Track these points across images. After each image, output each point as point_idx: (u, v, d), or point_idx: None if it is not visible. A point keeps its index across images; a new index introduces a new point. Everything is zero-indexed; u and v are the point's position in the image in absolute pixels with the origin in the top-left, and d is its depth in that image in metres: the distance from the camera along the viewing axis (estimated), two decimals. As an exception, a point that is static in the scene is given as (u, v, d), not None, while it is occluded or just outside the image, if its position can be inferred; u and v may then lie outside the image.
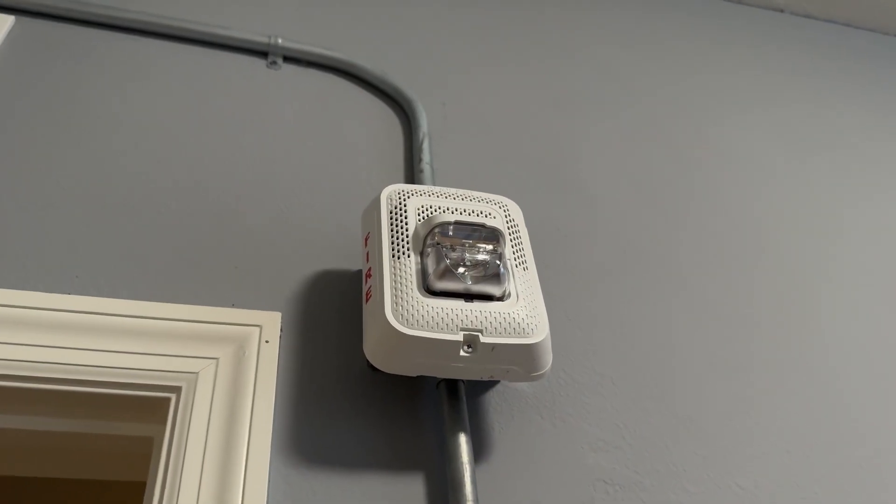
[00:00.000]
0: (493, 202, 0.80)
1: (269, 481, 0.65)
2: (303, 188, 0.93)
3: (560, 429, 0.78)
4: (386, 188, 0.79)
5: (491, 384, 0.79)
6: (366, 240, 0.78)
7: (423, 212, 0.76)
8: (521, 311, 0.70)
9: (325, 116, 1.05)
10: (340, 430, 0.71)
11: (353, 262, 0.86)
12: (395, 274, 0.70)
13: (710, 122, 1.28)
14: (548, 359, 0.71)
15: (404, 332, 0.66)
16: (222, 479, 0.63)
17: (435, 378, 0.76)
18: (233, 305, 0.78)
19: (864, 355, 0.97)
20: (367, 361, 0.77)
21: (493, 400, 0.78)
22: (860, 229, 1.17)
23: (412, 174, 1.00)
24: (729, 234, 1.08)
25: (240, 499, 0.62)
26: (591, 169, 1.11)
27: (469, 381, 0.77)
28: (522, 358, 0.69)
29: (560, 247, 0.97)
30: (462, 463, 0.68)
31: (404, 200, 0.77)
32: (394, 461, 0.70)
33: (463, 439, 0.70)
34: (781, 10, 1.74)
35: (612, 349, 0.87)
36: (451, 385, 0.74)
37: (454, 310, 0.68)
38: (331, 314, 0.81)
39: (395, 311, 0.67)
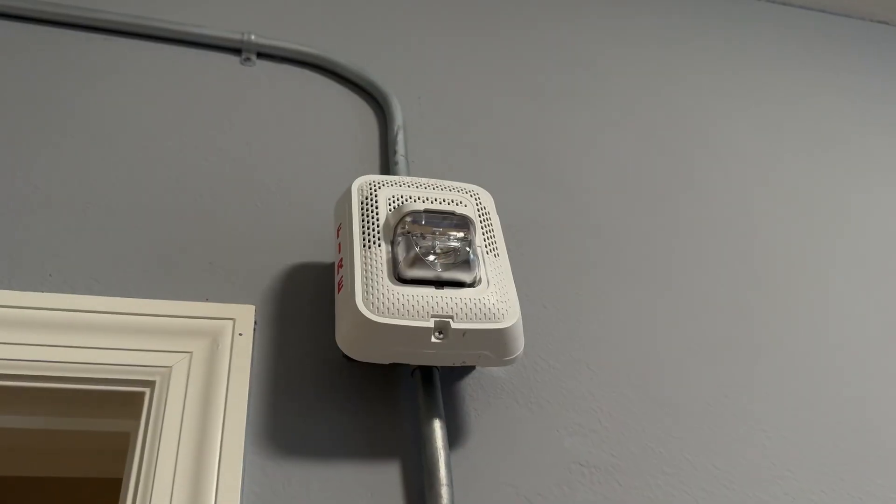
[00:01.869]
0: (464, 191, 0.80)
1: (244, 472, 0.65)
2: (278, 183, 0.94)
3: (537, 414, 0.78)
4: (357, 179, 0.79)
5: (466, 372, 0.80)
6: (338, 231, 0.78)
7: (393, 201, 0.76)
8: (491, 297, 0.70)
9: (299, 111, 1.05)
10: (316, 420, 0.72)
11: (328, 255, 0.87)
12: (366, 263, 0.70)
13: (691, 113, 1.29)
14: (519, 343, 0.71)
15: (375, 320, 0.66)
16: (196, 472, 0.63)
17: (409, 367, 0.76)
18: (206, 300, 0.78)
19: (843, 341, 0.98)
20: (342, 351, 0.77)
21: (468, 387, 0.78)
22: (843, 218, 1.18)
23: (387, 167, 1.01)
24: (708, 224, 1.09)
25: (214, 490, 0.63)
26: (568, 161, 1.12)
27: (444, 369, 0.78)
28: (494, 343, 0.69)
29: (538, 238, 0.98)
30: (437, 448, 0.69)
31: (375, 191, 0.77)
32: (370, 449, 0.71)
33: (437, 425, 0.70)
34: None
35: (590, 336, 0.87)
36: (426, 372, 0.74)
37: (424, 297, 0.68)
38: (305, 306, 0.81)
39: (366, 300, 0.67)
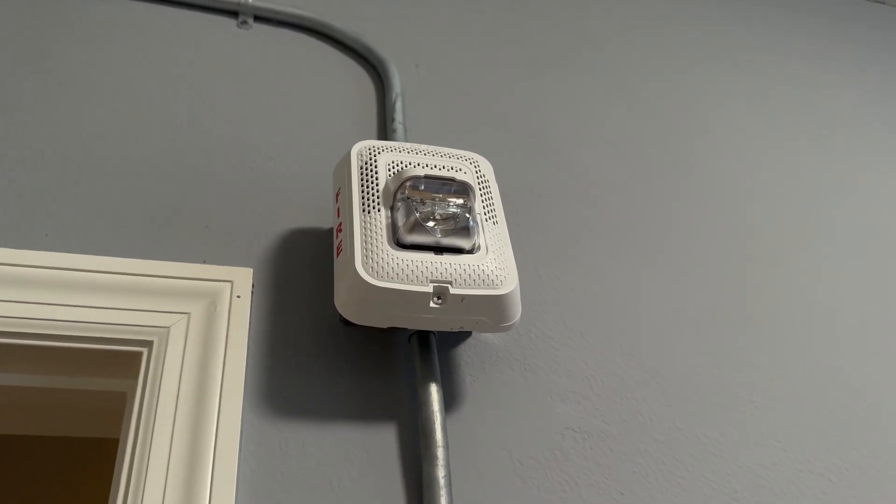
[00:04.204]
0: (463, 158, 0.80)
1: (241, 433, 0.65)
2: (275, 147, 0.93)
3: (530, 380, 0.79)
4: (356, 144, 0.79)
5: (463, 338, 0.80)
6: (336, 195, 0.78)
7: (393, 167, 0.76)
8: (490, 264, 0.70)
9: (296, 76, 1.04)
10: (313, 383, 0.72)
11: (326, 220, 0.87)
12: (365, 228, 0.70)
13: (690, 91, 1.29)
14: (517, 310, 0.72)
15: (375, 284, 0.66)
16: (195, 431, 0.64)
17: (407, 332, 0.77)
18: (204, 262, 0.78)
19: (829, 312, 0.99)
20: (340, 316, 0.78)
21: (464, 353, 0.79)
22: (838, 197, 1.19)
23: (385, 134, 1.00)
24: (702, 198, 1.09)
25: (212, 450, 0.63)
26: (565, 131, 1.12)
27: (441, 335, 0.78)
28: (492, 309, 0.70)
29: (533, 207, 0.98)
30: (433, 412, 0.69)
31: (374, 156, 0.77)
32: (366, 412, 0.72)
33: (434, 389, 0.71)
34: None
35: (583, 305, 0.88)
36: (423, 337, 0.75)
37: (424, 262, 0.68)
38: (303, 270, 0.81)
39: (365, 264, 0.68)
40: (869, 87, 1.45)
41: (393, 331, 0.78)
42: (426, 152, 0.79)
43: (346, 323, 0.77)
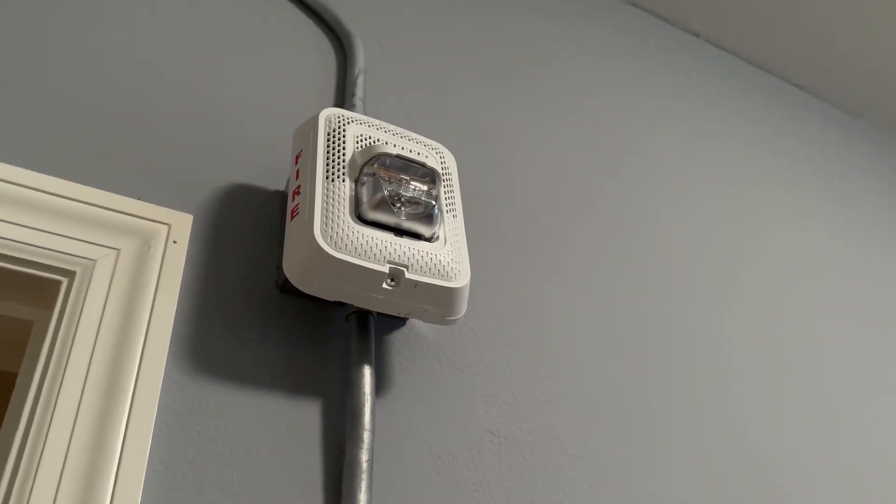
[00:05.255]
0: (430, 146, 0.79)
1: (162, 386, 0.61)
2: (228, 100, 0.88)
3: (457, 378, 0.79)
4: (325, 109, 0.76)
5: (398, 325, 0.79)
6: (296, 157, 0.75)
7: (361, 140, 0.74)
8: (447, 255, 0.70)
9: (259, 33, 1.00)
10: (240, 346, 0.69)
11: (272, 182, 0.83)
12: (327, 196, 0.68)
13: (626, 121, 1.33)
14: (464, 306, 0.71)
15: (332, 254, 0.64)
16: (112, 375, 0.59)
17: (344, 311, 0.75)
18: (139, 199, 0.72)
19: (731, 355, 1.06)
20: (277, 282, 0.74)
21: (396, 341, 0.78)
22: (740, 245, 1.27)
23: (342, 107, 0.97)
24: (629, 221, 1.13)
25: (130, 396, 0.59)
26: (511, 141, 1.13)
27: (378, 318, 0.77)
28: (442, 300, 0.69)
29: (476, 209, 0.98)
30: (364, 394, 0.68)
31: (343, 125, 0.75)
32: (292, 384, 0.69)
33: (367, 371, 0.69)
34: (697, 35, 1.84)
35: (515, 313, 0.89)
36: (362, 317, 0.73)
37: (383, 241, 0.67)
38: (242, 228, 0.77)
39: (324, 233, 0.65)
40: (785, 157, 1.57)
41: (328, 305, 0.76)
42: (395, 133, 0.78)
43: (283, 290, 0.75)
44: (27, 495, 0.52)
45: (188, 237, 0.71)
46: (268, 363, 0.69)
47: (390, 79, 1.07)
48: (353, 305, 0.73)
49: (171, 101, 0.84)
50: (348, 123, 0.75)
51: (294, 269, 0.66)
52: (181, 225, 0.71)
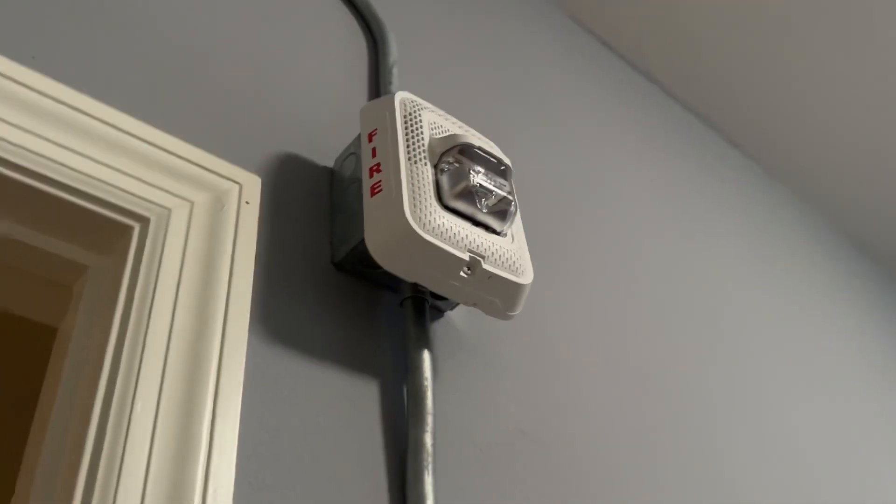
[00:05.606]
0: (496, 148, 0.81)
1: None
2: (279, 75, 0.86)
3: (490, 374, 0.80)
4: (399, 92, 0.76)
5: (435, 316, 0.79)
6: (370, 136, 0.74)
7: (435, 128, 0.75)
8: (515, 251, 0.71)
9: (291, 10, 0.98)
10: (303, 319, 0.67)
11: (319, 157, 0.81)
12: (411, 177, 0.68)
13: (592, 169, 1.35)
14: (523, 303, 0.73)
15: (421, 234, 0.64)
16: (197, 335, 0.56)
17: (396, 296, 0.74)
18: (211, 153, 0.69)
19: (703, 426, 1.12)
20: (333, 259, 0.73)
21: (435, 332, 0.78)
22: (695, 305, 1.36)
23: (377, 95, 0.97)
24: (607, 263, 1.19)
25: (217, 358, 0.55)
26: (522, 158, 1.15)
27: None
28: (510, 294, 0.70)
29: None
30: (425, 378, 0.68)
31: (418, 111, 0.75)
32: (351, 362, 0.68)
33: (427, 355, 0.69)
34: (655, 82, 1.95)
35: (543, 320, 0.91)
36: (419, 304, 0.73)
37: (464, 229, 0.68)
38: (298, 199, 0.75)
39: (413, 213, 0.65)
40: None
41: (379, 288, 0.75)
42: (460, 125, 0.79)
43: (339, 266, 0.73)
44: (117, 469, 0.47)
45: (258, 199, 0.68)
46: (328, 338, 0.67)
47: (417, 78, 1.07)
48: (407, 291, 0.73)
49: (236, 65, 0.81)
50: (422, 110, 0.76)
51: (379, 246, 0.65)
52: (251, 186, 0.69)
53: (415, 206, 0.66)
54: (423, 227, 0.65)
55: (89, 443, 0.48)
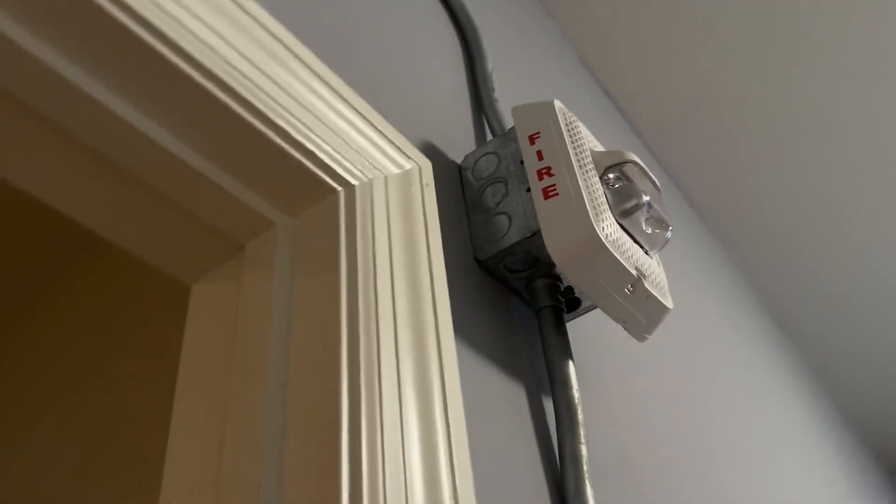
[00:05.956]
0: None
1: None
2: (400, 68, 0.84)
3: (591, 394, 0.80)
4: (555, 100, 0.76)
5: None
6: (532, 138, 0.73)
7: (590, 141, 0.75)
8: (662, 275, 0.72)
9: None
10: (457, 312, 0.65)
11: (452, 153, 0.80)
12: (587, 187, 0.68)
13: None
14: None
15: (605, 244, 0.64)
16: (416, 308, 0.53)
17: (525, 302, 0.74)
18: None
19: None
20: (475, 257, 0.72)
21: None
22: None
23: (480, 102, 0.96)
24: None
25: (434, 331, 0.53)
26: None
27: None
28: (656, 317, 0.71)
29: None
30: (574, 389, 0.67)
31: (575, 122, 0.75)
32: (502, 364, 0.66)
33: (572, 366, 0.69)
34: (639, 135, 2.03)
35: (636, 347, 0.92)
36: (558, 313, 0.72)
37: (632, 246, 0.68)
38: (440, 194, 0.73)
39: (596, 222, 0.65)
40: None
41: (512, 293, 0.74)
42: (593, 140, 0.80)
43: (482, 266, 0.72)
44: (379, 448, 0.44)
45: (433, 184, 0.66)
46: (475, 336, 0.65)
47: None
48: (546, 299, 0.72)
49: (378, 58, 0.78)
50: (578, 121, 0.76)
51: (562, 250, 0.64)
52: (427, 169, 0.66)
53: (597, 216, 0.65)
54: (606, 237, 0.65)
55: (343, 422, 0.44)
